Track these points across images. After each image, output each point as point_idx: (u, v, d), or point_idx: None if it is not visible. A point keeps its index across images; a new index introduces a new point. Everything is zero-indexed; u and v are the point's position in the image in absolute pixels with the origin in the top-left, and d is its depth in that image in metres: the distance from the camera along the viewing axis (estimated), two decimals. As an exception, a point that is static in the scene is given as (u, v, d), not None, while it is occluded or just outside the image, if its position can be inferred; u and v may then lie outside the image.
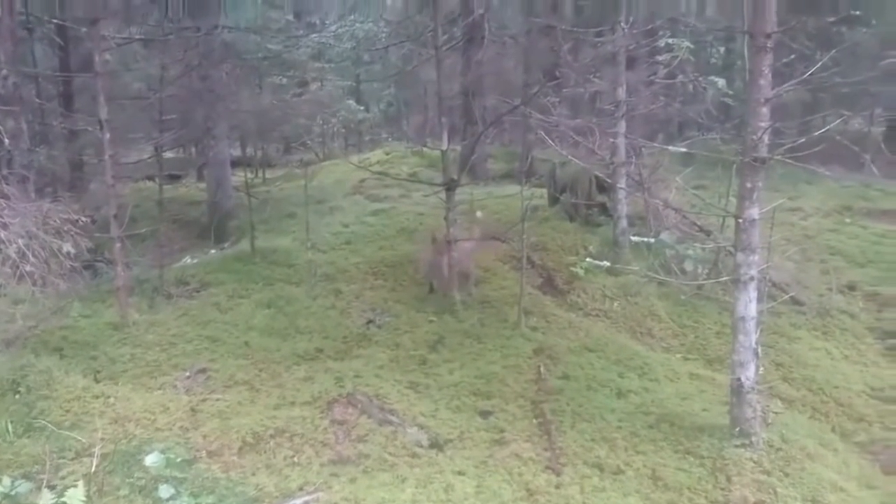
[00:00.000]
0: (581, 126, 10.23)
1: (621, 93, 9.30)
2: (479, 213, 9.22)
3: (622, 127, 9.42)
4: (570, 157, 8.81)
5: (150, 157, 10.35)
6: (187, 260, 10.45)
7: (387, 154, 17.34)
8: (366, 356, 7.22)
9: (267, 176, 17.59)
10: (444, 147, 8.06)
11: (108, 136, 7.41)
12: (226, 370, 6.78)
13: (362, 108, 20.80)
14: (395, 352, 7.36)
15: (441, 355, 7.30)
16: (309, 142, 19.71)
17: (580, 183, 10.61)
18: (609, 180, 9.69)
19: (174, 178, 16.01)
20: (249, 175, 18.08)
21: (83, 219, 6.26)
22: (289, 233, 10.97)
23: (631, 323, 8.46)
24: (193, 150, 19.97)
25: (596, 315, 8.65)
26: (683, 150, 5.59)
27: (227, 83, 11.81)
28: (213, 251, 11.11)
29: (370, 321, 8.03)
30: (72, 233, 6.04)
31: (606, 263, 5.64)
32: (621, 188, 9.48)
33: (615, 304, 8.77)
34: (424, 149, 17.05)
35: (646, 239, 6.74)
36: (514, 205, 10.42)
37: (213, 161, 12.50)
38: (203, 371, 6.75)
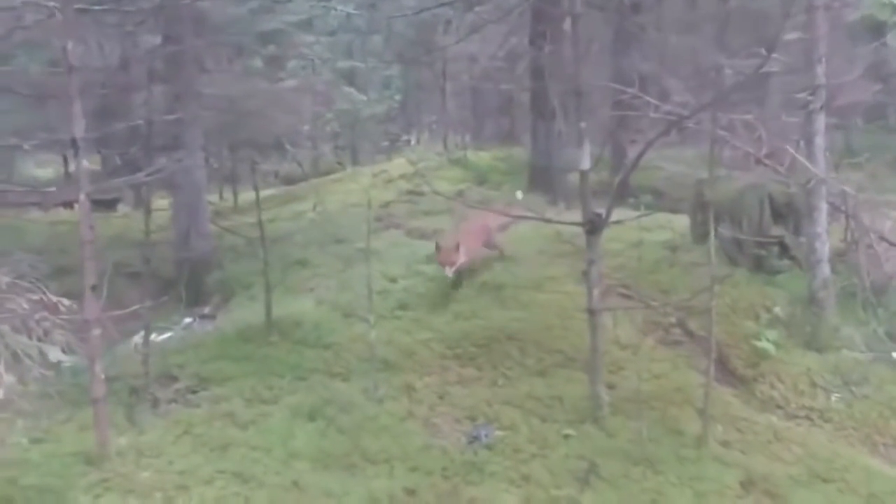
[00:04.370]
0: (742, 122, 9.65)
1: (820, 72, 8.68)
2: None
3: (821, 124, 8.82)
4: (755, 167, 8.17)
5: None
6: (153, 337, 9.66)
7: (413, 164, 16.72)
8: (483, 501, 6.41)
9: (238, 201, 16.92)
10: (586, 166, 7.29)
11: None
12: (272, 530, 5.99)
13: (364, 97, 20.32)
14: (525, 490, 6.56)
15: (601, 496, 6.52)
16: (289, 147, 19.13)
17: (746, 208, 9.95)
18: (790, 203, 9.08)
19: (106, 205, 15.36)
20: (219, 200, 17.48)
21: (65, 302, 5.49)
22: (305, 291, 10.24)
23: (866, 428, 7.79)
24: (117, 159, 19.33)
25: (805, 417, 7.99)
26: None
27: (203, 65, 11.20)
28: (188, 320, 10.40)
29: (474, 438, 7.20)
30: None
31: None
32: (820, 214, 8.86)
33: (833, 399, 8.10)
34: (468, 155, 16.60)
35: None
36: (627, 237, 9.68)
37: (184, 182, 11.76)
38: (236, 533, 5.96)
